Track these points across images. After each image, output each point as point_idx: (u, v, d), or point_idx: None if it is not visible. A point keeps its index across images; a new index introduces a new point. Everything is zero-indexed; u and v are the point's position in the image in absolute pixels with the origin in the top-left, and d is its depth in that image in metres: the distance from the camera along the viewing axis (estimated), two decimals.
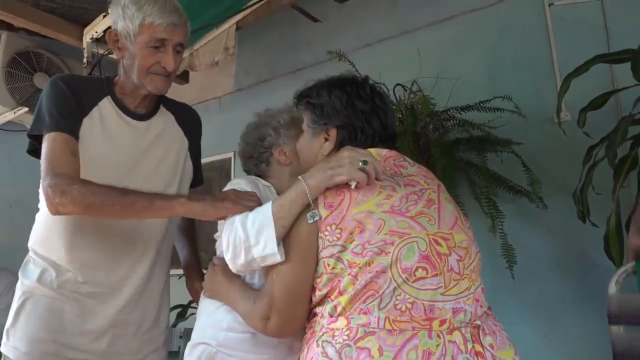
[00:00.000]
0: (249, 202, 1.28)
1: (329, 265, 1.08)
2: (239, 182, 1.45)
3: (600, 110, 1.94)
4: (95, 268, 1.49)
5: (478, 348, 1.02)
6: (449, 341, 1.00)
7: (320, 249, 1.09)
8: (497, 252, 2.24)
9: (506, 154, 2.39)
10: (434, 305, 1.03)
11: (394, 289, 1.03)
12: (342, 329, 1.03)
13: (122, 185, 1.34)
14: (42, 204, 1.49)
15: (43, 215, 1.51)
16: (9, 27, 3.27)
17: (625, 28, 2.40)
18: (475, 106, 2.44)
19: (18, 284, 1.51)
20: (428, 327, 1.01)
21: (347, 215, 1.08)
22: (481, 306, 1.11)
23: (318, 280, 1.10)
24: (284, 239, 1.14)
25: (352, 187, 1.11)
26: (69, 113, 1.44)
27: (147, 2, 1.42)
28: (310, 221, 1.11)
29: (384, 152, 1.25)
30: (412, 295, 1.03)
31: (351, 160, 1.11)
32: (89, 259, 1.48)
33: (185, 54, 3.31)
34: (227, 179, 3.83)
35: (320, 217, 1.09)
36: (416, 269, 1.04)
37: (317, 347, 1.05)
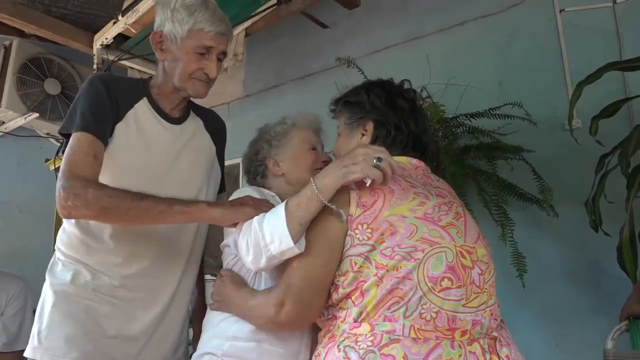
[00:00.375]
0: (266, 207, 1.29)
1: (355, 263, 1.08)
2: (246, 190, 1.46)
3: (613, 117, 1.91)
4: (133, 274, 1.46)
5: (495, 359, 1.04)
6: (469, 352, 1.02)
7: (348, 246, 1.09)
8: (507, 261, 2.22)
9: (516, 162, 2.37)
10: (456, 315, 1.04)
11: (420, 297, 1.03)
12: (366, 334, 1.03)
13: (156, 190, 1.32)
14: None
15: None
16: (21, 34, 3.31)
17: (638, 34, 2.38)
18: (485, 113, 2.42)
19: (46, 286, 1.46)
20: (451, 337, 1.02)
21: (379, 216, 1.08)
22: (495, 319, 1.12)
23: (342, 278, 1.09)
24: (310, 232, 1.14)
25: (367, 184, 1.11)
26: (101, 115, 1.41)
27: (198, 8, 1.43)
28: (340, 220, 1.11)
29: (414, 161, 1.28)
30: (437, 304, 1.04)
31: (365, 157, 1.10)
32: (125, 265, 1.46)
33: None
34: (236, 184, 3.82)
35: (352, 216, 1.09)
36: (442, 279, 1.05)
37: (339, 351, 1.04)
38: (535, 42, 2.69)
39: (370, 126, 1.30)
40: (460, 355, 1.00)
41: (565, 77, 2.56)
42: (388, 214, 1.08)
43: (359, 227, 1.08)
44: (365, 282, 1.06)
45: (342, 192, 1.12)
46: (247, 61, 3.74)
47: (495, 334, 1.08)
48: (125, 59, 3.09)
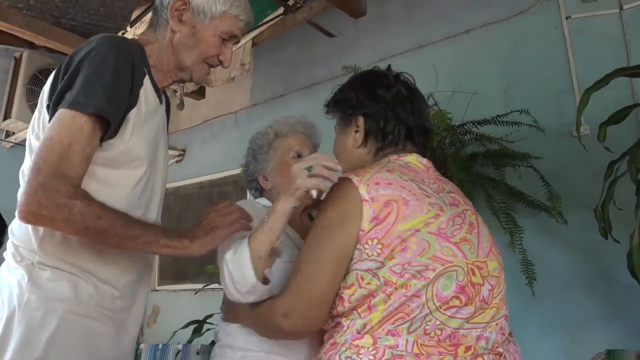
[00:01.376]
0: (230, 219, 1.24)
1: (362, 279, 1.06)
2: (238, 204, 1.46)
3: (621, 124, 1.90)
4: (132, 281, 1.29)
5: None
6: None
7: (356, 260, 1.07)
8: (516, 268, 2.21)
9: (524, 169, 2.36)
10: (458, 332, 1.03)
11: (426, 314, 1.02)
12: (368, 347, 1.02)
13: (144, 184, 1.22)
14: None
15: None
16: (30, 45, 3.35)
17: None
18: (492, 120, 2.42)
19: (30, 303, 1.11)
20: (454, 352, 1.01)
21: (391, 231, 1.05)
22: (503, 333, 1.10)
23: (347, 291, 1.07)
24: (320, 245, 1.11)
25: (314, 196, 1.13)
26: (119, 102, 1.15)
27: None
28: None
29: (424, 161, 1.25)
30: (442, 321, 1.02)
31: (297, 173, 1.14)
32: (128, 269, 1.27)
33: None
34: (243, 193, 3.84)
35: (363, 230, 1.06)
36: (451, 299, 1.03)
37: None
38: (541, 49, 2.69)
39: (360, 121, 1.27)
40: None
41: (573, 83, 2.55)
42: (401, 229, 1.05)
43: (369, 241, 1.05)
44: (373, 297, 1.05)
45: (355, 203, 1.08)
46: (254, 70, 3.76)
47: (500, 349, 1.06)
48: None
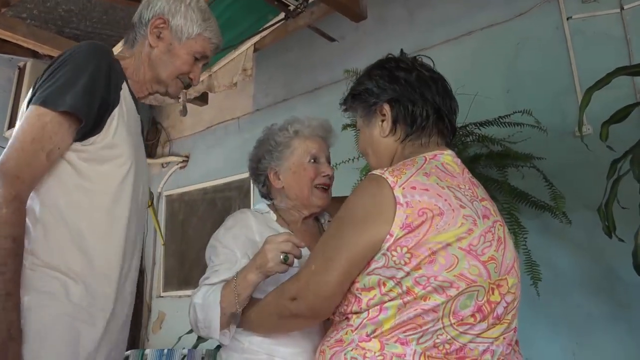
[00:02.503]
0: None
1: (384, 285, 1.04)
2: (220, 235, 1.49)
3: (623, 123, 1.90)
4: (111, 276, 1.24)
5: None
6: None
7: (380, 265, 1.04)
8: (521, 269, 2.19)
9: (527, 169, 2.36)
10: (466, 346, 1.02)
11: (439, 329, 1.01)
12: (375, 352, 1.01)
13: (131, 185, 1.24)
14: (50, 194, 1.16)
15: (53, 210, 1.16)
16: (34, 55, 3.37)
17: None
18: (495, 121, 2.42)
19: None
20: None
21: (422, 241, 1.01)
22: (509, 344, 1.09)
23: (367, 294, 1.06)
24: (337, 242, 1.10)
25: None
26: (92, 96, 1.16)
27: (210, 18, 1.42)
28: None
29: (459, 161, 1.20)
30: (453, 336, 1.01)
31: (273, 258, 1.23)
32: (106, 266, 1.22)
33: (204, 76, 3.37)
34: (246, 199, 3.85)
35: (392, 235, 1.02)
36: (467, 317, 1.02)
37: None
38: (543, 50, 2.69)
39: (386, 109, 1.23)
40: None
41: (575, 83, 2.56)
42: (432, 240, 1.01)
43: (398, 249, 1.01)
44: (390, 301, 1.03)
45: (387, 205, 1.05)
46: (256, 76, 3.77)
47: None
48: None
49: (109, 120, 1.21)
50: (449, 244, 1.01)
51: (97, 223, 1.21)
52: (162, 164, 4.55)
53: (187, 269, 4.19)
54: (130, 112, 1.30)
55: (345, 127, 2.57)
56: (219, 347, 2.54)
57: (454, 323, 1.01)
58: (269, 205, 1.59)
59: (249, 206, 3.69)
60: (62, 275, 1.13)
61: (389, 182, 1.06)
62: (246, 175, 3.85)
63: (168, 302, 4.23)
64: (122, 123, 1.24)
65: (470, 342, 1.02)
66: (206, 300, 1.30)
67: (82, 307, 1.15)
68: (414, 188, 1.05)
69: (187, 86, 1.46)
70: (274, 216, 1.53)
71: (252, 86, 4.03)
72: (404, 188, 1.05)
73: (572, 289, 2.40)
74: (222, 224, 1.52)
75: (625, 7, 2.47)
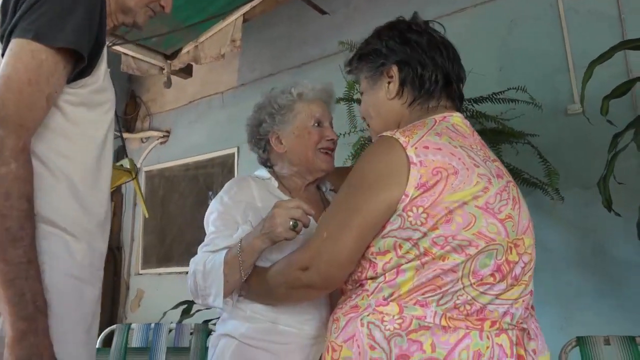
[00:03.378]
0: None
1: (400, 247, 1.00)
2: (220, 200, 1.44)
3: (616, 100, 1.89)
4: (104, 231, 1.15)
5: (521, 352, 1.00)
6: (497, 344, 0.98)
7: (396, 226, 1.00)
8: None
9: (521, 146, 2.36)
10: (486, 307, 1.00)
11: (459, 289, 0.98)
12: (394, 315, 0.98)
13: (111, 137, 1.13)
14: (40, 143, 1.00)
15: (45, 160, 1.01)
16: None
17: None
18: (489, 98, 2.41)
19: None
20: (480, 327, 0.98)
21: (438, 200, 0.98)
22: (527, 308, 1.08)
23: (382, 258, 1.03)
24: (350, 204, 1.06)
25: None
26: (90, 32, 1.01)
27: None
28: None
29: (468, 122, 1.17)
30: (473, 297, 0.99)
31: (282, 223, 1.19)
32: (99, 220, 1.12)
33: (190, 47, 3.28)
34: (231, 174, 3.78)
35: (407, 196, 0.99)
36: (487, 276, 1.00)
37: (362, 326, 1.00)
38: (536, 28, 2.69)
39: (394, 70, 1.18)
40: (487, 347, 0.96)
41: (568, 62, 2.56)
42: (448, 199, 0.98)
43: (414, 209, 0.98)
44: (407, 263, 1.00)
45: (400, 165, 1.01)
46: (242, 50, 3.68)
47: (524, 325, 1.04)
48: (118, 44, 3.02)
49: (99, 61, 1.06)
50: (465, 203, 0.99)
51: (88, 174, 1.09)
52: (141, 139, 4.43)
53: (167, 246, 4.11)
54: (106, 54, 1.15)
55: (338, 100, 2.52)
56: (206, 322, 2.50)
57: (474, 283, 0.99)
58: (269, 171, 1.54)
59: None
60: (62, 232, 1.02)
61: (401, 142, 1.03)
62: (231, 150, 3.85)
63: (147, 279, 4.15)
64: (106, 65, 1.10)
65: (490, 303, 1.00)
66: (208, 267, 1.26)
67: (85, 266, 1.05)
68: (426, 147, 1.02)
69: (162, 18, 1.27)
70: (275, 183, 1.48)
71: (237, 60, 3.94)
72: (416, 148, 1.01)
73: (562, 265, 2.43)
74: (222, 189, 1.47)
75: None
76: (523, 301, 1.05)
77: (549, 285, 2.42)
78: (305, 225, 1.21)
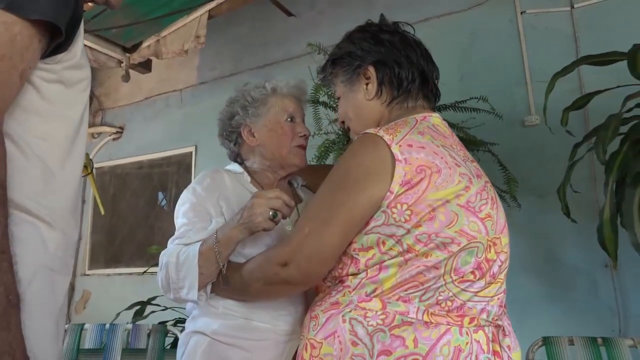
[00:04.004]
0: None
1: (384, 244, 1.01)
2: (192, 192, 1.38)
3: (569, 113, 1.98)
4: (76, 218, 1.07)
5: (497, 348, 1.02)
6: (474, 340, 1.00)
7: (380, 222, 1.01)
8: None
9: (482, 154, 2.43)
10: (466, 304, 1.02)
11: (441, 285, 1.00)
12: (377, 311, 0.99)
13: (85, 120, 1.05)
14: (12, 123, 0.92)
15: (17, 141, 0.93)
16: None
17: (593, 37, 2.52)
18: (451, 106, 2.47)
19: None
20: (460, 323, 1.00)
21: (422, 198, 0.99)
22: (501, 306, 1.10)
23: (365, 254, 1.03)
24: (335, 198, 1.06)
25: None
26: (66, 3, 0.93)
27: None
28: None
29: (446, 123, 1.19)
30: (454, 293, 1.01)
31: (262, 213, 1.18)
32: (72, 207, 1.04)
33: (152, 40, 3.19)
34: (187, 174, 3.70)
35: (392, 193, 1.00)
36: (467, 273, 1.01)
37: (344, 322, 1.00)
38: (496, 41, 2.79)
39: (371, 71, 1.19)
40: (467, 343, 0.98)
41: (525, 75, 2.67)
42: (431, 197, 1.00)
43: (398, 206, 1.00)
44: (390, 259, 1.01)
45: (385, 162, 1.02)
46: (203, 47, 3.63)
47: (499, 322, 1.06)
48: None
49: (76, 36, 0.98)
50: (448, 201, 1.01)
51: (62, 156, 1.00)
52: (92, 134, 4.27)
53: (117, 246, 3.97)
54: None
55: None
56: (162, 323, 2.42)
57: (455, 280, 1.01)
58: (242, 166, 1.51)
59: (189, 182, 3.55)
60: (35, 219, 0.94)
61: (385, 139, 1.03)
62: (188, 150, 3.77)
63: (94, 280, 3.99)
64: (82, 41, 1.02)
65: (469, 300, 1.02)
66: (181, 259, 1.22)
67: (58, 256, 0.98)
68: (410, 146, 1.03)
69: None
70: (248, 177, 1.45)
71: (197, 58, 3.87)
72: (400, 145, 1.03)
73: (514, 270, 2.47)
74: (194, 181, 1.42)
75: (575, 5, 2.61)
76: (498, 299, 1.08)
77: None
78: (285, 217, 1.20)
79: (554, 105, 1.99)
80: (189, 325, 1.33)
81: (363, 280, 1.02)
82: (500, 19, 2.80)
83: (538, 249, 2.51)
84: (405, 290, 0.99)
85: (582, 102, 1.86)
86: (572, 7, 2.62)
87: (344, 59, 1.23)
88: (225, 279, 1.21)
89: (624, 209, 1.56)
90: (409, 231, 0.99)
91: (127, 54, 3.20)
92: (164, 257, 1.26)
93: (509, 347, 1.04)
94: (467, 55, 2.86)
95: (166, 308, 2.73)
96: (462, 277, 1.01)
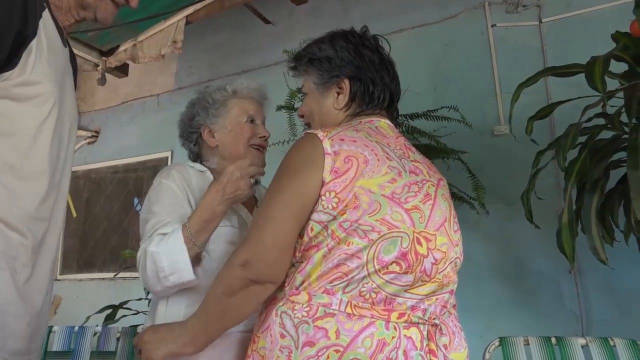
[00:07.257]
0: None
1: (312, 229, 1.04)
2: (159, 185, 1.39)
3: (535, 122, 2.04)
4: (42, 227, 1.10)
5: (432, 346, 1.03)
6: (405, 336, 1.00)
7: (315, 211, 1.05)
8: None
9: (452, 162, 2.49)
10: (394, 298, 1.03)
11: (364, 276, 1.01)
12: (303, 304, 1.01)
13: (53, 127, 1.07)
14: None
15: None
16: None
17: (560, 50, 2.61)
18: (423, 114, 2.53)
19: None
20: (386, 317, 1.01)
21: (349, 186, 1.03)
22: (444, 306, 1.10)
23: (299, 240, 1.06)
24: (287, 188, 1.08)
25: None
26: (9, 27, 0.98)
27: None
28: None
29: (396, 130, 1.22)
30: (378, 285, 1.02)
31: (246, 183, 1.27)
32: (31, 208, 1.06)
33: (129, 44, 3.19)
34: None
35: (324, 181, 1.04)
36: (391, 263, 1.02)
37: (276, 316, 1.03)
38: (468, 53, 2.87)
39: (346, 84, 1.21)
40: (393, 337, 0.99)
41: (495, 86, 2.75)
42: (358, 185, 1.03)
43: (327, 193, 1.03)
44: (317, 248, 1.03)
45: (317, 154, 1.06)
46: (181, 53, 3.64)
47: (437, 321, 1.06)
48: None
49: (25, 54, 1.01)
50: (371, 192, 1.04)
51: (14, 169, 1.03)
52: None
53: (90, 251, 3.93)
54: (52, 44, 1.10)
55: (279, 108, 2.56)
56: (133, 326, 2.41)
57: (379, 270, 1.01)
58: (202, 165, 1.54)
59: None
60: None
61: (319, 136, 1.08)
62: (164, 154, 3.77)
63: (66, 285, 3.94)
64: (40, 58, 1.05)
65: (397, 294, 1.03)
66: (167, 246, 1.22)
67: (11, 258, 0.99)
68: (342, 140, 1.08)
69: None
70: (211, 176, 1.47)
71: (175, 63, 3.88)
72: (332, 140, 1.07)
73: (483, 276, 2.57)
74: (159, 175, 1.44)
75: (543, 20, 2.70)
76: (437, 299, 1.08)
77: (471, 294, 2.55)
78: (262, 175, 1.34)
79: (521, 115, 2.06)
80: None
81: (295, 274, 1.05)
82: (472, 32, 2.87)
83: (506, 255, 2.57)
84: (330, 282, 1.01)
85: (545, 112, 1.93)
86: (541, 21, 2.71)
87: (322, 62, 1.24)
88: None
89: (583, 214, 1.62)
90: (335, 217, 1.03)
91: (104, 58, 3.20)
92: (145, 252, 1.25)
93: (445, 346, 1.04)
94: (440, 66, 2.93)
95: (138, 312, 2.71)
96: (386, 267, 1.01)
